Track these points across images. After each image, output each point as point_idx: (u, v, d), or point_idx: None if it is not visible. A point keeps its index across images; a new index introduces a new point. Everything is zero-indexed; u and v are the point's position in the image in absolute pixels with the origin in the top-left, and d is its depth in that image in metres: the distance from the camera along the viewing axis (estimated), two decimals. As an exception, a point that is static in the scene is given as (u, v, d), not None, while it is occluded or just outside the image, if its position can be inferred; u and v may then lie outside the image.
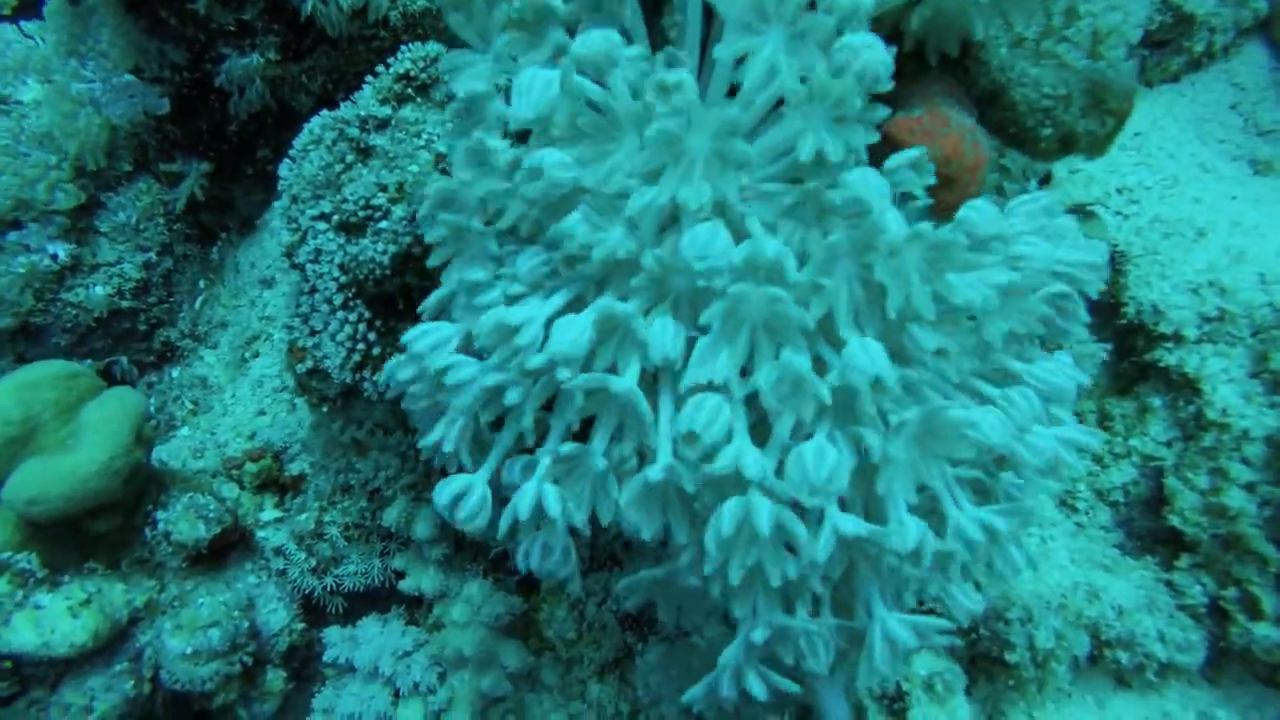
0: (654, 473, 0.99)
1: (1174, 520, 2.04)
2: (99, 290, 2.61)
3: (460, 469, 1.17)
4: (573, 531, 1.11)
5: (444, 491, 1.13)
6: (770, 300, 0.95)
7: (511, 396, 1.07)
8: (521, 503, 1.07)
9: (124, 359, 2.77)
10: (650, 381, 1.08)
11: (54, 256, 2.54)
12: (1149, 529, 2.16)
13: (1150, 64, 2.43)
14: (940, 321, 1.00)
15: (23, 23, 2.60)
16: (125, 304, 2.66)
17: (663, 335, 1.00)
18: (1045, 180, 2.19)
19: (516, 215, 1.06)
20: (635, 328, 1.00)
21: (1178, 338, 2.03)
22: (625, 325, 1.01)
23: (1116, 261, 2.11)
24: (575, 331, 1.00)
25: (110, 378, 2.63)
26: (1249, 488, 1.95)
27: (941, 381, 1.06)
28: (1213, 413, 1.97)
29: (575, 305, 1.09)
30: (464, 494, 1.13)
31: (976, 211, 1.02)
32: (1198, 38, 2.36)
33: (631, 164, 1.02)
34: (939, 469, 1.03)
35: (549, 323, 1.05)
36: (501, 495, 1.15)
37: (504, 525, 1.11)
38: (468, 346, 1.13)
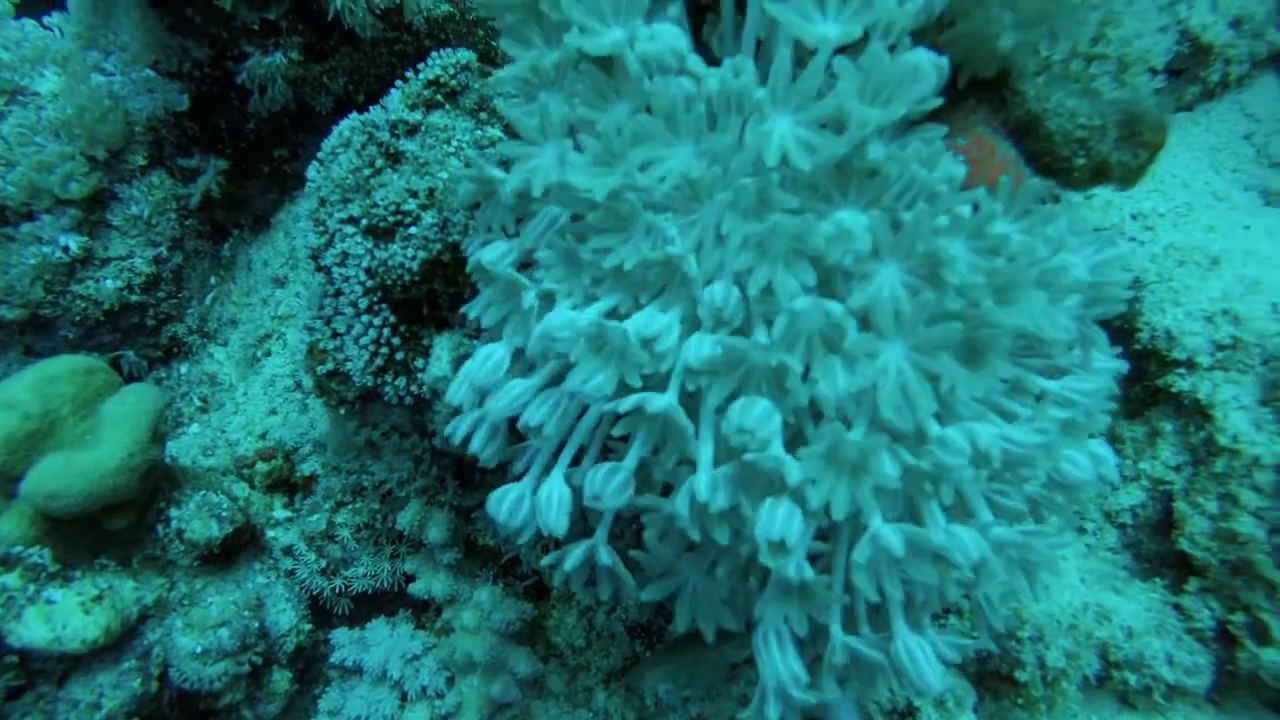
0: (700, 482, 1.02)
1: (1183, 544, 2.06)
2: (109, 284, 2.59)
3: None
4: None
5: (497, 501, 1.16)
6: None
7: (534, 416, 1.09)
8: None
9: (130, 353, 2.76)
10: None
11: (65, 249, 2.52)
12: (1156, 551, 2.19)
13: (1165, 93, 2.47)
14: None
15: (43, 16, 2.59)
16: (134, 298, 2.64)
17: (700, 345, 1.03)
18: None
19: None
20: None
21: (1190, 364, 2.06)
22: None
23: (1132, 287, 2.14)
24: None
25: (118, 372, 2.62)
26: (1259, 514, 1.98)
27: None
28: (1224, 439, 2.00)
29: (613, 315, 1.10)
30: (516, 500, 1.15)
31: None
32: (1213, 68, 2.40)
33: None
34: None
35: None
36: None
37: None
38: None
